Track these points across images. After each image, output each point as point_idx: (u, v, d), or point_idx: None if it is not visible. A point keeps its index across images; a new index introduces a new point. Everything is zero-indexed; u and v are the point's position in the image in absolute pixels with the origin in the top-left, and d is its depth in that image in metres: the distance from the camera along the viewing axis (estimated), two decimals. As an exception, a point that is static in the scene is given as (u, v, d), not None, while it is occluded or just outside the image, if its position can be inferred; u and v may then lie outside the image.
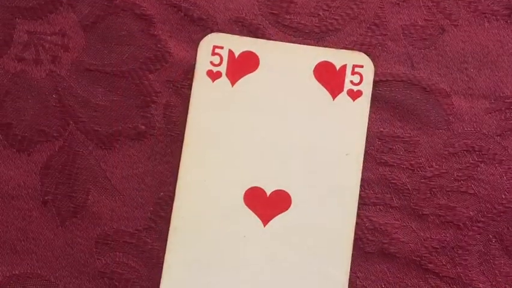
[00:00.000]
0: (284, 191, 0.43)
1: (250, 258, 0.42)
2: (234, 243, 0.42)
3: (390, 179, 0.44)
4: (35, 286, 0.43)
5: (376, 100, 0.44)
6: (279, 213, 0.43)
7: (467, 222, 0.43)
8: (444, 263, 0.43)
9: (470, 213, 0.44)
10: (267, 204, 0.43)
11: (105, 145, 0.44)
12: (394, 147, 0.44)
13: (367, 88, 0.44)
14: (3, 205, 0.43)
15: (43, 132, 0.44)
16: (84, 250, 0.43)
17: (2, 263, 0.43)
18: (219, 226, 0.43)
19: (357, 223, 0.43)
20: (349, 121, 0.44)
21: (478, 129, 0.44)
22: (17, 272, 0.43)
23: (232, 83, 0.44)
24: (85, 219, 0.43)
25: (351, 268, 0.42)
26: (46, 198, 0.43)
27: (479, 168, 0.44)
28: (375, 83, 0.45)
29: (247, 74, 0.44)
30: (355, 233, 0.43)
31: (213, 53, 0.45)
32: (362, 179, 0.44)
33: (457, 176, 0.44)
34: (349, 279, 0.42)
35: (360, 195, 0.43)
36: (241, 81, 0.44)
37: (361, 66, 0.45)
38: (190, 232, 0.43)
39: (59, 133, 0.44)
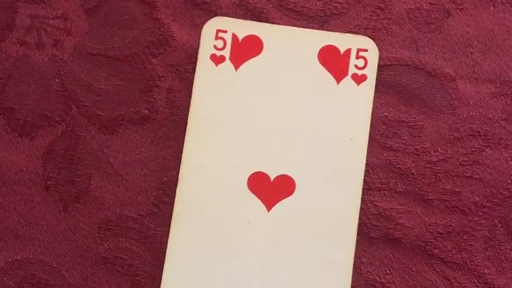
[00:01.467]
0: (288, 175, 0.42)
1: (254, 243, 0.41)
2: (237, 228, 0.41)
3: (395, 163, 0.43)
4: (37, 271, 0.42)
5: (381, 84, 0.43)
6: (283, 198, 0.42)
7: (472, 208, 0.42)
8: (449, 248, 0.42)
9: (476, 198, 0.43)
10: (271, 189, 0.42)
11: (107, 130, 0.43)
12: (399, 132, 0.43)
13: (371, 72, 0.43)
14: (5, 190, 0.42)
15: (45, 117, 0.43)
16: (87, 235, 0.42)
17: (4, 249, 0.42)
18: (223, 211, 0.42)
19: (361, 208, 0.42)
20: (353, 105, 0.43)
21: (484, 113, 0.43)
22: (19, 258, 0.42)
23: (236, 67, 0.43)
24: (88, 204, 0.42)
25: (355, 253, 0.41)
26: (48, 183, 0.42)
27: (484, 153, 0.43)
28: (380, 67, 0.43)
29: (251, 58, 0.43)
30: (360, 218, 0.42)
31: (217, 37, 0.43)
32: (366, 164, 0.42)
33: (462, 160, 0.43)
34: (354, 264, 0.41)
35: (364, 180, 0.42)
36: (244, 66, 0.43)
37: (366, 50, 0.43)
38: (194, 217, 0.42)
39: (61, 117, 0.43)
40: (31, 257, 0.42)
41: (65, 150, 0.43)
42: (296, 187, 0.42)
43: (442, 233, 0.42)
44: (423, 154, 0.43)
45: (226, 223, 0.41)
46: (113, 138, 0.43)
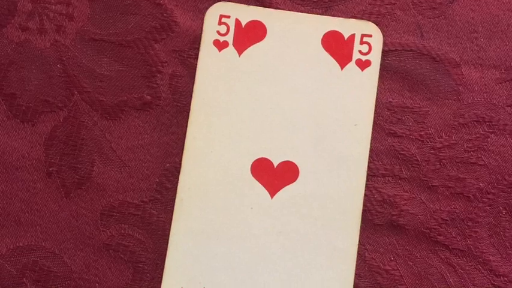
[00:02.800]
0: (291, 162, 0.41)
1: (257, 230, 0.40)
2: (240, 214, 0.40)
3: (399, 150, 0.42)
4: (39, 258, 0.41)
5: (385, 70, 0.42)
6: (287, 185, 0.41)
7: (477, 194, 0.42)
8: (454, 235, 0.41)
9: (481, 184, 0.42)
10: (274, 175, 0.41)
11: (110, 116, 0.42)
12: (403, 118, 0.42)
13: (375, 58, 0.42)
14: (7, 176, 0.41)
15: (47, 103, 0.42)
16: (89, 222, 0.41)
17: (5, 235, 0.41)
18: (226, 197, 0.41)
19: (365, 195, 0.41)
20: (357, 91, 0.42)
21: (489, 99, 0.42)
22: (21, 244, 0.41)
23: (239, 53, 0.42)
24: (90, 190, 0.41)
25: (359, 240, 0.41)
26: (50, 169, 0.41)
27: (489, 139, 0.42)
28: (384, 53, 0.43)
29: (254, 43, 0.42)
30: (364, 205, 0.41)
31: (220, 23, 0.43)
32: (371, 150, 0.42)
33: (467, 147, 0.42)
34: (358, 251, 0.41)
35: (368, 166, 0.41)
36: (248, 51, 0.42)
37: (370, 36, 0.42)
38: (197, 204, 0.41)
39: (64, 103, 0.42)
40: (33, 243, 0.41)
41: (67, 136, 0.42)
42: (300, 173, 0.41)
43: (447, 220, 0.41)
44: (427, 140, 0.42)
45: (229, 210, 0.41)
46: (115, 124, 0.42)
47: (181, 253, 0.40)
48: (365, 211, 0.41)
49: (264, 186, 0.41)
